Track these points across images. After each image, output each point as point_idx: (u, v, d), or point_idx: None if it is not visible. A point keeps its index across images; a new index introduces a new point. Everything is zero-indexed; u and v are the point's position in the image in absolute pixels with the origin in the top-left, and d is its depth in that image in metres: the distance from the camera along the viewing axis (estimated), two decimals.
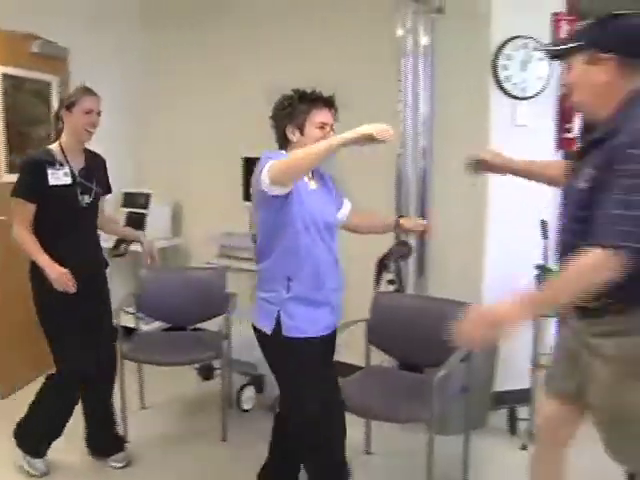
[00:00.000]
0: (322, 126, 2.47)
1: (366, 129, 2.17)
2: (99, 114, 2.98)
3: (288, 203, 2.35)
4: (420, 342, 3.12)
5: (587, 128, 2.09)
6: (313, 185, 2.56)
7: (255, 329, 2.59)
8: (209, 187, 4.81)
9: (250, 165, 4.20)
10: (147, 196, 4.73)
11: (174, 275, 4.12)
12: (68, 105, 2.93)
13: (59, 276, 2.85)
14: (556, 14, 3.44)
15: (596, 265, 1.77)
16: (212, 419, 3.59)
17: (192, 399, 4.09)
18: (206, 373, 4.16)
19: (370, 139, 2.18)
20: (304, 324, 2.47)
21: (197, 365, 4.06)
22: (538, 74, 3.52)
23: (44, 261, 2.86)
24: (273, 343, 2.52)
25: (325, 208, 2.56)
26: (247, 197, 4.22)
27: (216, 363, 3.84)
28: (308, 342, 2.49)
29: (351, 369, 3.29)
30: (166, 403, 3.97)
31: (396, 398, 2.95)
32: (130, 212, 4.84)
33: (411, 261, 3.72)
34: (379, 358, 3.41)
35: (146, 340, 3.79)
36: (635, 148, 1.74)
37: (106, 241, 4.70)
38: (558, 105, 3.58)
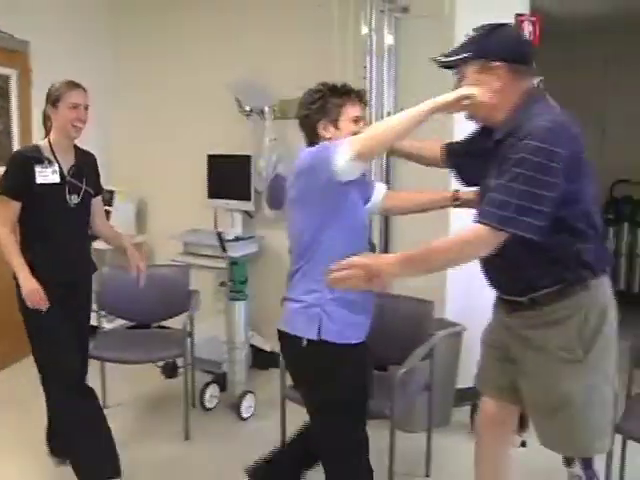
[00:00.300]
0: (357, 120, 2.32)
1: (467, 90, 2.02)
2: (86, 108, 2.86)
3: (345, 194, 2.19)
4: (384, 340, 3.11)
5: (485, 132, 2.16)
6: None
7: (284, 338, 2.35)
8: (174, 184, 4.77)
9: (215, 162, 4.23)
10: (111, 193, 4.66)
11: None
12: (53, 101, 2.82)
13: (31, 292, 2.73)
14: (520, 15, 3.48)
15: (474, 240, 1.91)
16: (175, 418, 3.56)
17: (155, 398, 4.05)
18: (169, 371, 4.12)
19: (467, 102, 2.03)
20: (348, 329, 2.26)
21: (160, 363, 4.02)
22: None
23: (20, 270, 2.74)
24: (313, 352, 2.25)
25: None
26: (212, 194, 4.20)
27: (179, 361, 3.81)
28: (353, 349, 2.28)
29: None
30: (129, 402, 3.93)
31: None
32: None
33: None
34: None
35: (108, 338, 3.75)
36: (530, 140, 1.85)
37: None
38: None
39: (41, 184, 2.78)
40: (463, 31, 3.40)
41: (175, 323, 3.82)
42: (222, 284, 4.04)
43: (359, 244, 2.24)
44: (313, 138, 2.34)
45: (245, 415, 3.70)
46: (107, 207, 4.65)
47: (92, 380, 3.50)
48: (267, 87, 3.97)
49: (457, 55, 2.04)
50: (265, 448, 3.27)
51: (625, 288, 6.05)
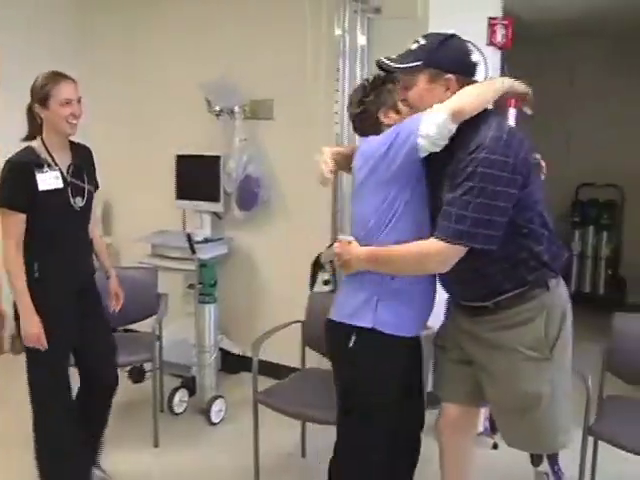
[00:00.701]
0: (404, 101, 2.21)
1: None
2: (79, 101, 2.62)
3: (417, 175, 2.09)
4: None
5: None
6: None
7: (332, 326, 2.28)
8: (141, 185, 4.68)
9: (183, 163, 4.16)
10: None
11: (103, 275, 3.97)
12: (41, 99, 2.55)
13: (32, 335, 2.54)
14: (492, 18, 3.48)
15: (432, 255, 1.96)
16: (143, 424, 3.48)
17: (122, 403, 3.93)
18: (137, 376, 4.04)
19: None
20: (406, 321, 2.18)
21: (127, 368, 3.93)
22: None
23: (25, 306, 2.53)
24: (366, 342, 2.17)
25: None
26: (181, 195, 4.13)
27: (147, 365, 3.74)
28: (408, 342, 2.21)
29: (287, 371, 3.26)
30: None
31: (332, 399, 2.91)
32: None
33: None
34: (316, 359, 3.39)
35: None
36: (480, 152, 1.87)
37: None
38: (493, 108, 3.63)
39: (44, 191, 2.55)
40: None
41: (143, 326, 3.74)
42: (191, 286, 3.98)
43: (424, 229, 2.11)
44: (377, 130, 2.23)
45: (215, 420, 3.64)
46: None
47: None
48: (238, 87, 3.92)
49: (408, 62, 2.02)
50: (236, 453, 3.25)
51: (590, 290, 6.12)
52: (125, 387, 4.02)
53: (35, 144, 2.62)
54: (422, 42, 2.04)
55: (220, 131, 4.06)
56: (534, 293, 2.06)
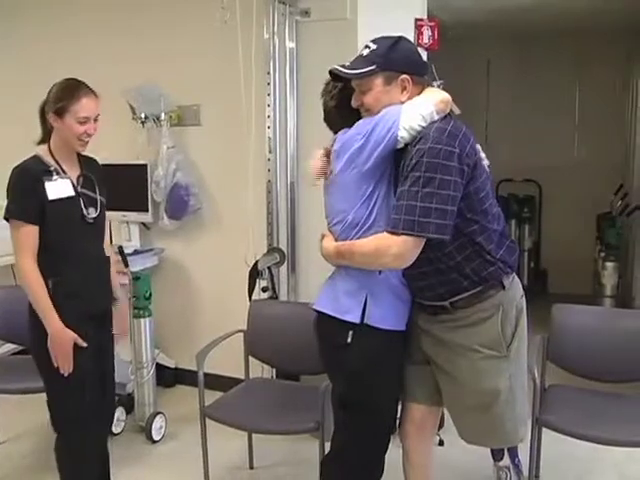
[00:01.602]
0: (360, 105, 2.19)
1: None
2: (97, 119, 2.44)
3: (389, 166, 2.09)
4: (297, 350, 3.05)
5: None
6: None
7: (322, 320, 2.24)
8: None
9: (109, 172, 3.96)
10: None
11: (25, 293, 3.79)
12: (58, 111, 2.38)
13: (63, 347, 2.37)
14: (419, 20, 3.52)
15: (385, 248, 1.97)
16: None
17: None
18: None
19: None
20: (393, 315, 2.17)
21: None
22: None
23: (50, 317, 2.35)
24: (362, 337, 2.13)
25: None
26: (107, 206, 3.97)
27: None
28: (395, 337, 2.19)
29: (231, 382, 3.19)
30: (25, 433, 3.62)
31: (281, 409, 2.87)
32: None
33: (283, 267, 3.67)
34: (258, 368, 3.33)
35: None
36: (424, 144, 1.91)
37: None
38: None
39: (54, 200, 2.38)
40: (365, 34, 3.44)
41: None
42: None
43: None
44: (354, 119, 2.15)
45: (156, 437, 3.51)
46: None
47: None
48: (163, 93, 3.80)
49: (363, 68, 2.04)
50: (182, 470, 3.15)
51: None
52: None
53: (42, 152, 2.46)
54: (373, 47, 2.06)
55: (146, 139, 3.93)
56: (490, 293, 2.08)
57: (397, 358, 2.24)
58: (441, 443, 3.29)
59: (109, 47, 4.11)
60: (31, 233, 2.36)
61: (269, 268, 3.50)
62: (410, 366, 2.27)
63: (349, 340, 2.13)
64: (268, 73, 3.47)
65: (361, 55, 2.09)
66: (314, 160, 2.24)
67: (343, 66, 2.09)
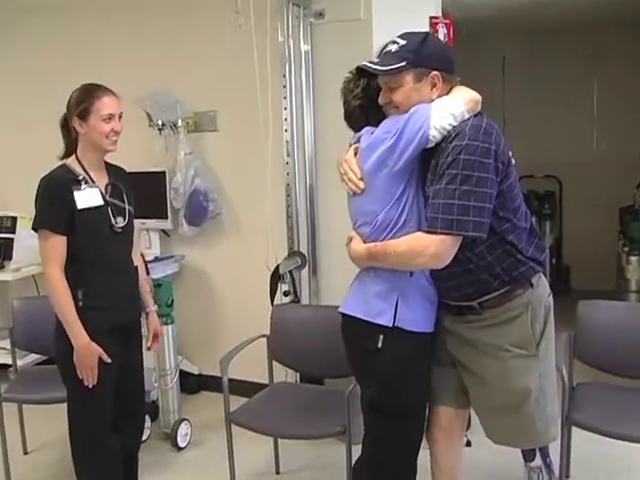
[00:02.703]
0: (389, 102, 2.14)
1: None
2: (120, 116, 2.47)
3: (417, 165, 2.05)
4: (320, 353, 3.04)
5: None
6: None
7: (350, 323, 2.20)
8: None
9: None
10: (14, 219, 4.34)
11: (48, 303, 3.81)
12: (81, 113, 2.39)
13: (89, 360, 2.37)
14: (434, 18, 3.49)
15: (421, 249, 1.93)
16: None
17: None
18: None
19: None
20: (423, 317, 2.13)
21: None
22: None
23: (77, 330, 2.35)
24: (387, 338, 2.10)
25: None
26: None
27: None
28: (425, 339, 2.15)
29: (255, 387, 3.17)
30: (52, 443, 3.63)
31: (306, 413, 2.85)
32: None
33: (304, 271, 3.65)
34: (282, 373, 3.31)
35: (23, 378, 3.47)
36: (460, 140, 1.88)
37: None
38: None
39: (83, 209, 2.38)
40: (380, 34, 3.44)
41: None
42: None
43: None
44: (379, 117, 2.12)
45: (182, 444, 3.50)
46: (9, 235, 4.36)
47: (10, 424, 3.26)
48: (179, 99, 3.80)
49: (394, 64, 1.99)
50: (207, 477, 3.14)
51: None
52: None
53: (70, 162, 2.47)
54: (402, 42, 2.02)
55: (163, 146, 3.93)
56: (518, 292, 2.05)
57: (427, 361, 2.21)
58: (468, 444, 3.25)
59: (123, 53, 4.11)
60: (59, 243, 2.36)
61: (290, 272, 3.48)
62: (436, 368, 2.24)
63: (380, 344, 2.09)
64: (284, 76, 3.45)
65: (390, 51, 2.03)
66: (351, 168, 2.12)
67: (372, 62, 2.04)
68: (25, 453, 3.53)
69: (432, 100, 2.00)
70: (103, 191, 2.49)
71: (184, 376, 4.12)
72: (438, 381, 2.25)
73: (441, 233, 1.88)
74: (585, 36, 5.84)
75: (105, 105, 2.41)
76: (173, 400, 3.58)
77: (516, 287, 2.05)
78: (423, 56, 1.99)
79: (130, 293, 2.63)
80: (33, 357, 4.05)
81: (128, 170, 3.85)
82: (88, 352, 2.38)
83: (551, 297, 2.18)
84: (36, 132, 4.18)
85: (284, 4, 3.36)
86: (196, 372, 4.19)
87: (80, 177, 2.43)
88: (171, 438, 3.50)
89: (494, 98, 6.28)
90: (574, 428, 2.70)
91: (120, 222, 2.50)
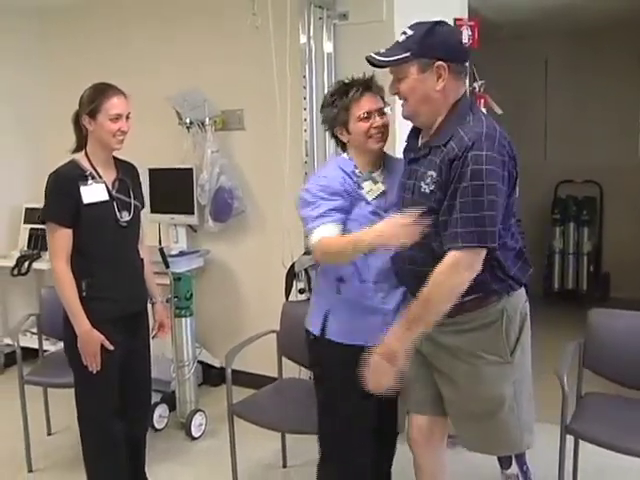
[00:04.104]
0: (367, 116, 2.22)
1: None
2: (128, 116, 2.58)
3: None
4: None
5: (416, 131, 2.16)
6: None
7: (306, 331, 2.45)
8: None
9: (156, 177, 4.11)
10: None
11: None
12: (91, 111, 2.50)
13: (91, 347, 2.48)
14: (458, 19, 3.47)
15: (454, 267, 1.86)
16: None
17: None
18: None
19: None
20: (352, 330, 2.26)
21: None
22: None
23: (80, 318, 2.47)
24: (317, 345, 2.37)
25: None
26: (155, 209, 4.09)
27: None
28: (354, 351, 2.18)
29: (267, 381, 3.23)
30: (74, 427, 3.75)
31: (313, 408, 2.89)
32: (33, 228, 4.62)
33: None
34: (296, 369, 3.36)
35: (51, 361, 3.62)
36: (475, 151, 1.84)
37: (5, 258, 4.55)
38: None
39: (89, 204, 2.49)
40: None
41: None
42: (168, 300, 3.93)
43: None
44: (340, 145, 2.37)
45: (195, 434, 3.60)
46: (42, 226, 4.52)
47: (35, 406, 3.41)
48: (207, 98, 3.89)
49: (397, 55, 1.97)
50: (217, 466, 3.22)
51: (573, 287, 6.11)
52: None
53: (79, 157, 2.58)
54: (409, 33, 1.99)
55: (191, 143, 4.03)
56: (494, 298, 2.02)
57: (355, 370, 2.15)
58: None
59: (157, 54, 4.23)
60: (65, 236, 2.48)
61: (306, 270, 3.52)
62: (412, 376, 2.18)
63: (311, 350, 2.42)
64: (304, 77, 3.49)
65: (397, 42, 2.02)
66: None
67: (379, 53, 2.02)
68: (49, 434, 3.69)
69: (437, 91, 1.95)
70: (110, 186, 2.59)
71: (207, 368, 4.23)
72: (414, 389, 2.23)
73: (465, 248, 1.85)
74: (631, 36, 5.67)
75: (114, 105, 2.50)
76: (190, 391, 3.68)
77: (492, 294, 2.02)
78: (427, 46, 1.94)
79: (134, 285, 2.72)
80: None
81: (157, 166, 4.03)
82: (90, 339, 2.49)
83: (527, 304, 2.13)
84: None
85: (306, 6, 3.40)
86: (219, 365, 4.28)
87: (87, 172, 2.54)
88: (186, 428, 3.60)
89: (536, 101, 6.20)
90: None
91: (125, 216, 2.59)
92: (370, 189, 2.25)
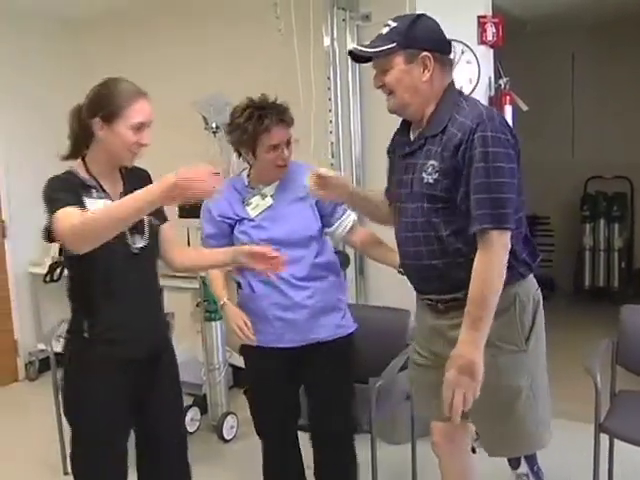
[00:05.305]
0: (276, 147, 2.36)
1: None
2: (149, 126, 2.03)
3: None
4: (364, 352, 3.06)
5: (405, 126, 2.12)
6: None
7: None
8: None
9: None
10: None
11: None
12: (107, 115, 1.95)
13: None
14: (481, 17, 3.46)
15: (495, 251, 1.83)
16: None
17: None
18: None
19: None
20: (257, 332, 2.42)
21: None
22: (468, 76, 3.52)
23: (151, 188, 1.80)
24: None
25: None
26: (183, 214, 4.12)
27: None
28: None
29: None
30: None
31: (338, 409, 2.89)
32: None
33: (350, 270, 3.69)
34: None
35: None
36: (482, 132, 1.83)
37: (38, 265, 4.63)
38: (488, 105, 3.60)
39: None
40: None
41: None
42: (198, 304, 3.97)
43: None
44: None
45: (227, 437, 3.62)
46: None
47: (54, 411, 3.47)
48: (229, 102, 3.91)
49: (381, 46, 1.93)
50: (249, 469, 3.21)
51: (604, 284, 6.04)
52: None
53: (76, 167, 2.05)
54: (393, 25, 1.96)
55: (218, 148, 4.05)
56: (506, 283, 1.90)
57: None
58: (473, 451, 3.21)
59: (178, 62, 4.28)
60: (74, 211, 1.88)
61: None
62: (421, 378, 2.16)
63: None
64: (328, 78, 3.50)
65: (380, 33, 1.98)
66: None
67: (362, 45, 2.00)
68: None
69: (424, 82, 1.94)
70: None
71: (237, 371, 4.22)
72: (428, 396, 2.15)
73: (495, 228, 1.82)
74: None
75: (138, 111, 1.99)
76: (221, 394, 3.71)
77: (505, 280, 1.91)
78: (413, 37, 1.92)
79: (150, 322, 2.16)
80: None
81: None
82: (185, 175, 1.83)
83: (539, 291, 2.07)
84: None
85: (329, 8, 3.41)
86: None
87: (90, 184, 2.02)
88: (217, 430, 3.62)
89: (563, 97, 6.14)
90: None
91: (138, 242, 2.06)
92: (257, 204, 2.42)
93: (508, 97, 3.51)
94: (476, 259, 1.85)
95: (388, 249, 2.45)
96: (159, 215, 2.17)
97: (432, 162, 1.93)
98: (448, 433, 2.26)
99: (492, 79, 3.47)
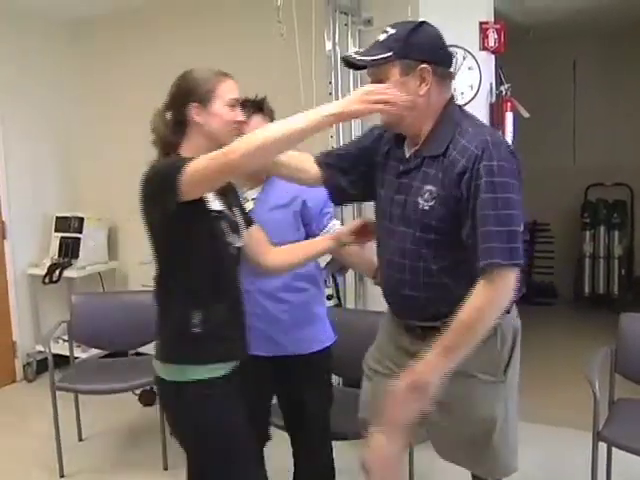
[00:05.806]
0: None
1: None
2: (240, 102, 2.03)
3: None
4: (362, 356, 3.06)
5: (398, 142, 1.96)
6: None
7: None
8: None
9: None
10: (81, 220, 4.59)
11: (108, 299, 4.03)
12: (202, 98, 1.93)
13: None
14: (483, 23, 3.46)
15: (507, 286, 1.69)
16: (153, 447, 3.46)
17: (132, 427, 3.95)
18: (147, 399, 4.05)
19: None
20: None
21: (138, 391, 3.94)
22: (469, 82, 3.53)
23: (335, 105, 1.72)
24: None
25: None
26: None
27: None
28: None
29: None
30: (105, 432, 3.83)
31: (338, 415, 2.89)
32: (63, 237, 4.68)
33: (349, 276, 3.68)
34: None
35: (82, 368, 3.69)
36: (488, 161, 1.70)
37: (37, 267, 4.63)
38: (489, 112, 3.60)
39: (212, 211, 1.92)
40: None
41: (152, 349, 3.73)
42: None
43: None
44: None
45: None
46: (77, 234, 4.60)
47: (66, 413, 3.46)
48: None
49: (377, 54, 1.77)
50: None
51: (604, 291, 6.03)
52: (135, 410, 4.05)
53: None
54: (391, 31, 1.80)
55: None
56: None
57: None
58: None
59: (180, 62, 4.22)
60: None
61: (333, 276, 3.52)
62: (382, 388, 1.95)
63: None
64: (330, 83, 3.50)
65: (378, 40, 1.82)
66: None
67: (358, 53, 1.85)
68: (80, 440, 3.73)
69: (421, 96, 1.78)
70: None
71: None
72: (374, 407, 1.99)
73: (505, 265, 1.67)
74: None
75: (230, 89, 1.97)
76: None
77: None
78: (411, 46, 1.76)
79: (244, 323, 2.08)
80: (97, 351, 4.24)
81: None
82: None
83: (518, 318, 1.98)
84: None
85: (330, 13, 3.41)
86: None
87: None
88: None
89: (564, 103, 6.14)
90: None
91: (236, 240, 1.99)
92: None
93: (509, 104, 3.51)
94: (476, 291, 1.68)
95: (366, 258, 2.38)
96: (245, 215, 2.15)
97: (430, 187, 1.80)
98: (391, 452, 1.98)
99: (493, 85, 3.47)
